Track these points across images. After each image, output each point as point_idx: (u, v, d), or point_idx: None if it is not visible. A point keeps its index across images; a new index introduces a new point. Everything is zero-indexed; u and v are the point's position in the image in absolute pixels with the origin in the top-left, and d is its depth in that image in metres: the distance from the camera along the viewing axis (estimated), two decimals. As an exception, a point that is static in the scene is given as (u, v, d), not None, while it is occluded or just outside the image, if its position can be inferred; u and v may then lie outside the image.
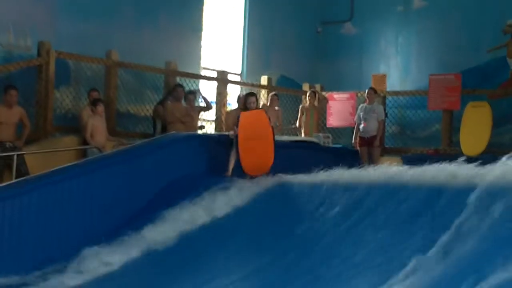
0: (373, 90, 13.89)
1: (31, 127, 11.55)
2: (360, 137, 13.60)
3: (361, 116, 13.62)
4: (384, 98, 15.31)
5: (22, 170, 10.64)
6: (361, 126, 13.57)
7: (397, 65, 16.61)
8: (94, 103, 11.88)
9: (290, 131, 15.24)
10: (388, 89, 15.53)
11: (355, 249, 7.00)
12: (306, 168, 9.65)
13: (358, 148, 13.55)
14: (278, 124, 14.60)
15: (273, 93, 14.78)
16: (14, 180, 9.90)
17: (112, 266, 8.77)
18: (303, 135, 14.64)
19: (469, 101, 14.00)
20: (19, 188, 9.34)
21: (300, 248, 7.75)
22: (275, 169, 10.12)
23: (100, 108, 11.83)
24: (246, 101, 11.09)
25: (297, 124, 14.95)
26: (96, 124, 11.72)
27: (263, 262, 7.75)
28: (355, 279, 6.42)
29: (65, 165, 10.14)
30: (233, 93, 15.29)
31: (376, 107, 13.75)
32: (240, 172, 10.47)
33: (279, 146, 12.25)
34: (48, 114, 12.01)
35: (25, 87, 11.82)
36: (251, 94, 11.41)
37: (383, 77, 15.61)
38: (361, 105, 13.96)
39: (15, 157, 10.51)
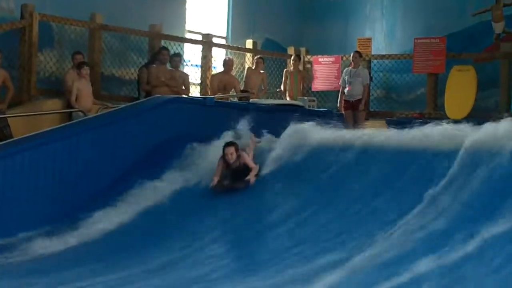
0: (358, 54, 13.87)
1: (15, 90, 11.48)
2: (345, 100, 13.59)
3: (346, 79, 13.61)
4: (369, 61, 15.32)
5: (5, 133, 10.62)
6: (346, 89, 13.57)
7: (382, 28, 16.56)
8: (79, 66, 11.81)
9: (275, 94, 15.22)
10: (373, 53, 15.53)
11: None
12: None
13: (343, 112, 13.56)
14: (263, 87, 14.63)
15: (258, 56, 14.79)
16: (-3, 143, 9.87)
17: (102, 228, 8.81)
18: (288, 98, 14.63)
19: (454, 64, 14.04)
20: (3, 151, 9.32)
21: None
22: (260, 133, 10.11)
23: (85, 71, 11.74)
24: (224, 151, 9.21)
25: (282, 88, 14.94)
26: (81, 88, 11.64)
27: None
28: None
29: (50, 128, 10.13)
30: (218, 56, 15.22)
31: (361, 71, 13.75)
32: None
33: (264, 110, 12.32)
34: (32, 77, 11.92)
35: (9, 50, 11.72)
36: (230, 144, 9.34)
37: (368, 41, 15.59)
38: (346, 68, 13.95)
39: (-2, 120, 10.49)
